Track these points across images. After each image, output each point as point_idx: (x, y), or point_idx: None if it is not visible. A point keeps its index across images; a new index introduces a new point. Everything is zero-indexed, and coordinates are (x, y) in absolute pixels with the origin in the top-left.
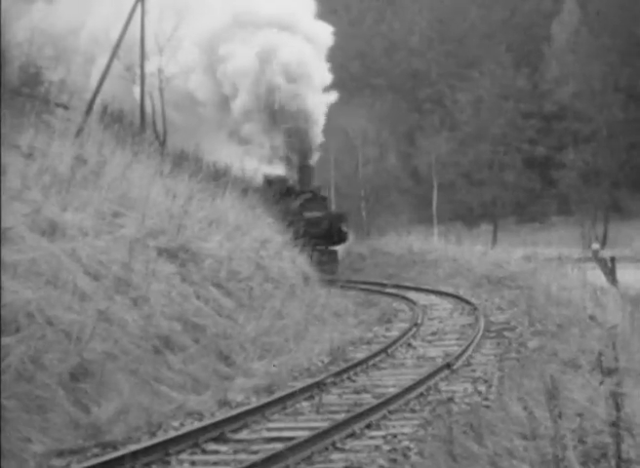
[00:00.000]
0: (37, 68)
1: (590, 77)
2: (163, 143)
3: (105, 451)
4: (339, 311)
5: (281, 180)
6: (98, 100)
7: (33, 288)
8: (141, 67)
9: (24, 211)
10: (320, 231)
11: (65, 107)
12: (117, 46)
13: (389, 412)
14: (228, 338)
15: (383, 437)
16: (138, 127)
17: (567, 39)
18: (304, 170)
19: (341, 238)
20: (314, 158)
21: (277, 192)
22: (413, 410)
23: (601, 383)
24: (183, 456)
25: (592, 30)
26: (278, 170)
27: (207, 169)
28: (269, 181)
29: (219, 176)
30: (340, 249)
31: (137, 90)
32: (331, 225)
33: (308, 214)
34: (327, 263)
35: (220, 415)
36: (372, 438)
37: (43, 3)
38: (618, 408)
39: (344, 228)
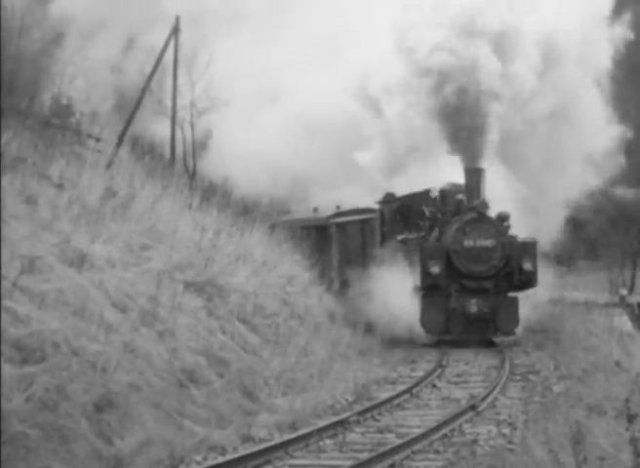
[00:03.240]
0: (69, 100)
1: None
2: (193, 176)
3: None
4: (363, 350)
5: (456, 191)
6: (129, 133)
7: (60, 318)
8: (173, 101)
9: (54, 241)
10: (489, 268)
11: (97, 139)
12: (149, 79)
13: (413, 453)
14: (253, 374)
15: None
16: (168, 160)
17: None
18: (473, 174)
19: (527, 280)
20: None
21: (448, 210)
22: (437, 451)
23: (627, 429)
24: None
25: (627, 75)
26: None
27: (235, 203)
28: (443, 195)
29: (247, 211)
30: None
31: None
32: (508, 261)
33: (469, 244)
34: (497, 317)
35: (242, 451)
36: None
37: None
38: (638, 453)
39: (529, 265)
